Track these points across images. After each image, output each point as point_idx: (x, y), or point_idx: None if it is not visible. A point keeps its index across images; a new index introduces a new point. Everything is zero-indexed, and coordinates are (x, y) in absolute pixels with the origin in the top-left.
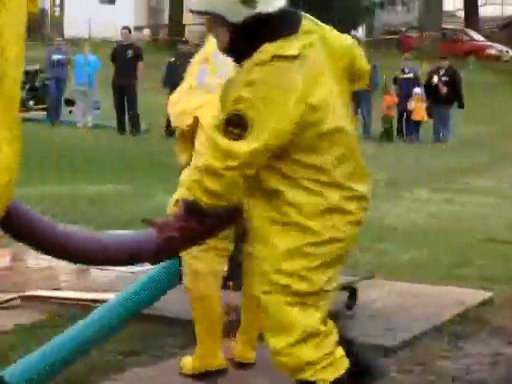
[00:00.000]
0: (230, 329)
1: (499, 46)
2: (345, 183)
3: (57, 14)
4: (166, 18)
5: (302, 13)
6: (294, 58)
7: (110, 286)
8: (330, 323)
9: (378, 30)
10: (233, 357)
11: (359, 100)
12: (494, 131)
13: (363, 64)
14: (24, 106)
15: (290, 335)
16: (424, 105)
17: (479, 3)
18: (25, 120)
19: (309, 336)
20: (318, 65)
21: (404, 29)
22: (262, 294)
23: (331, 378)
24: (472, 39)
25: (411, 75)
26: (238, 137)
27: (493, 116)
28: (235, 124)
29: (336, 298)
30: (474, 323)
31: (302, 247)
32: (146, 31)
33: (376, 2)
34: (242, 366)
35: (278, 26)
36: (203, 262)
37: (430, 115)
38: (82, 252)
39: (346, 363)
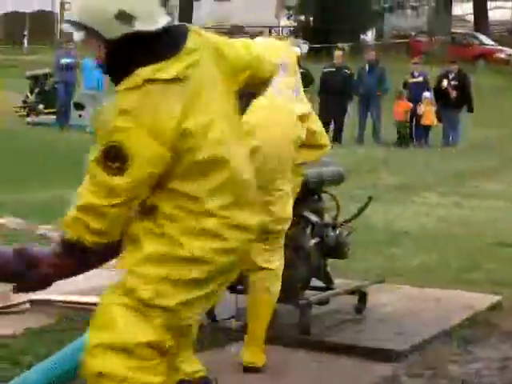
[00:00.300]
0: (239, 333)
1: (509, 50)
2: (220, 213)
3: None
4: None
5: (192, 27)
6: (171, 80)
7: None
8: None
9: (387, 34)
10: (241, 361)
11: (369, 105)
12: (503, 135)
13: (266, 72)
14: (34, 110)
15: (109, 337)
16: (434, 109)
17: (488, 7)
18: (34, 124)
19: (124, 349)
20: (201, 85)
21: (413, 33)
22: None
23: None
24: (481, 43)
25: (421, 79)
26: (119, 170)
27: (502, 120)
28: (113, 157)
29: (346, 301)
30: (484, 327)
31: (165, 256)
32: None
33: (385, 6)
34: (250, 370)
35: (157, 46)
36: None
37: (439, 119)
38: None
39: None
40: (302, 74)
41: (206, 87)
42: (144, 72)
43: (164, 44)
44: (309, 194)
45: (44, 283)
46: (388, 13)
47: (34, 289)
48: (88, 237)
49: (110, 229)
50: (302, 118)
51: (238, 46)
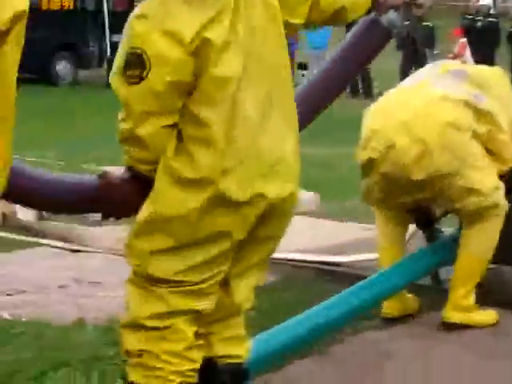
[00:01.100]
0: None
1: None
2: None
3: None
4: None
5: None
6: None
7: (341, 250)
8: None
9: None
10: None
11: None
12: None
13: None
14: None
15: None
16: None
17: None
18: None
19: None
20: (238, 9)
21: None
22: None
23: (137, 380)
24: None
25: None
26: (139, 79)
27: None
28: (133, 64)
29: None
30: None
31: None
32: None
33: None
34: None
35: None
36: None
37: None
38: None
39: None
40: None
41: (246, 15)
42: None
43: None
44: None
45: (122, 210)
46: None
47: (114, 215)
48: (138, 166)
49: (153, 155)
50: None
51: None
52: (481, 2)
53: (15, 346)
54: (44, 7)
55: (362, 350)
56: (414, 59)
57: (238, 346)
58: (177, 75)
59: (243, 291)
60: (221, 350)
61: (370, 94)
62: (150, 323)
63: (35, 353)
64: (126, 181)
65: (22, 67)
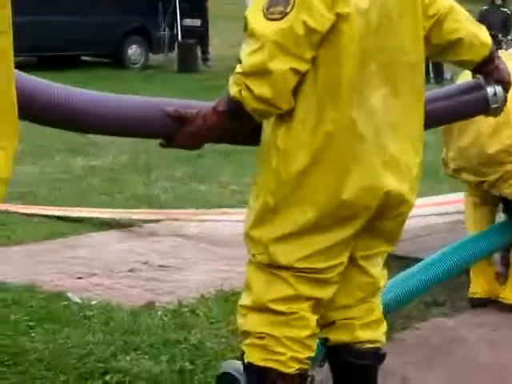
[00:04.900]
0: None
1: None
2: None
3: None
4: None
5: None
6: None
7: None
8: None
9: None
10: None
11: None
12: None
13: (453, 33)
14: None
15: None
16: None
17: None
18: None
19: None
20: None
21: None
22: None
23: (256, 362)
24: None
25: None
26: (281, 15)
27: None
28: (277, 2)
29: None
30: None
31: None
32: None
33: None
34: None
35: None
36: None
37: None
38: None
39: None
40: None
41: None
42: None
43: None
44: None
45: (193, 141)
46: None
47: (182, 145)
48: (251, 102)
49: (275, 96)
50: None
51: None
52: None
53: (85, 330)
54: None
55: (432, 336)
56: None
57: (377, 331)
58: (317, 24)
59: (376, 269)
60: (362, 334)
61: (441, 78)
62: (275, 307)
63: (105, 336)
64: (216, 111)
65: (94, 51)
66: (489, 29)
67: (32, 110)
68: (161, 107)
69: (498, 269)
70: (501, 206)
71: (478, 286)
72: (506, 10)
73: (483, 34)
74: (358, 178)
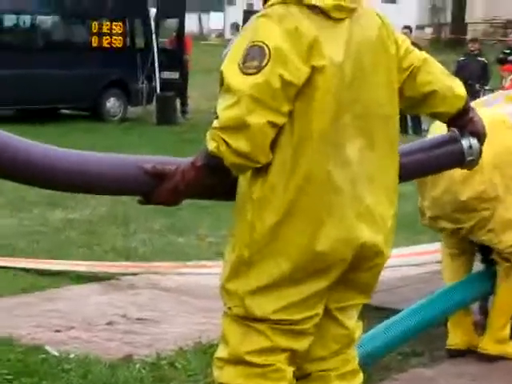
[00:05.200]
0: None
1: None
2: None
3: None
4: (448, 16)
5: None
6: (318, 10)
7: None
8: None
9: None
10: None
11: None
12: None
13: (425, 85)
14: None
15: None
16: None
17: None
18: None
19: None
20: (359, 45)
21: None
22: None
23: None
24: None
25: None
26: (256, 70)
27: None
28: (253, 56)
29: None
30: None
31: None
32: (428, 30)
33: None
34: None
35: None
36: None
37: None
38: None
39: None
40: None
41: (362, 50)
42: None
43: None
44: None
45: (172, 197)
46: None
47: (161, 202)
48: (229, 156)
49: (253, 150)
50: None
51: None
52: None
53: (63, 383)
54: (94, 44)
55: None
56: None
57: (353, 382)
58: (293, 77)
59: (351, 321)
60: None
61: (419, 133)
62: (251, 359)
63: None
64: (195, 166)
65: (74, 104)
66: (467, 79)
67: (14, 167)
68: (139, 164)
69: (476, 318)
70: (478, 255)
71: (456, 337)
72: (483, 59)
73: (457, 87)
74: (332, 230)
